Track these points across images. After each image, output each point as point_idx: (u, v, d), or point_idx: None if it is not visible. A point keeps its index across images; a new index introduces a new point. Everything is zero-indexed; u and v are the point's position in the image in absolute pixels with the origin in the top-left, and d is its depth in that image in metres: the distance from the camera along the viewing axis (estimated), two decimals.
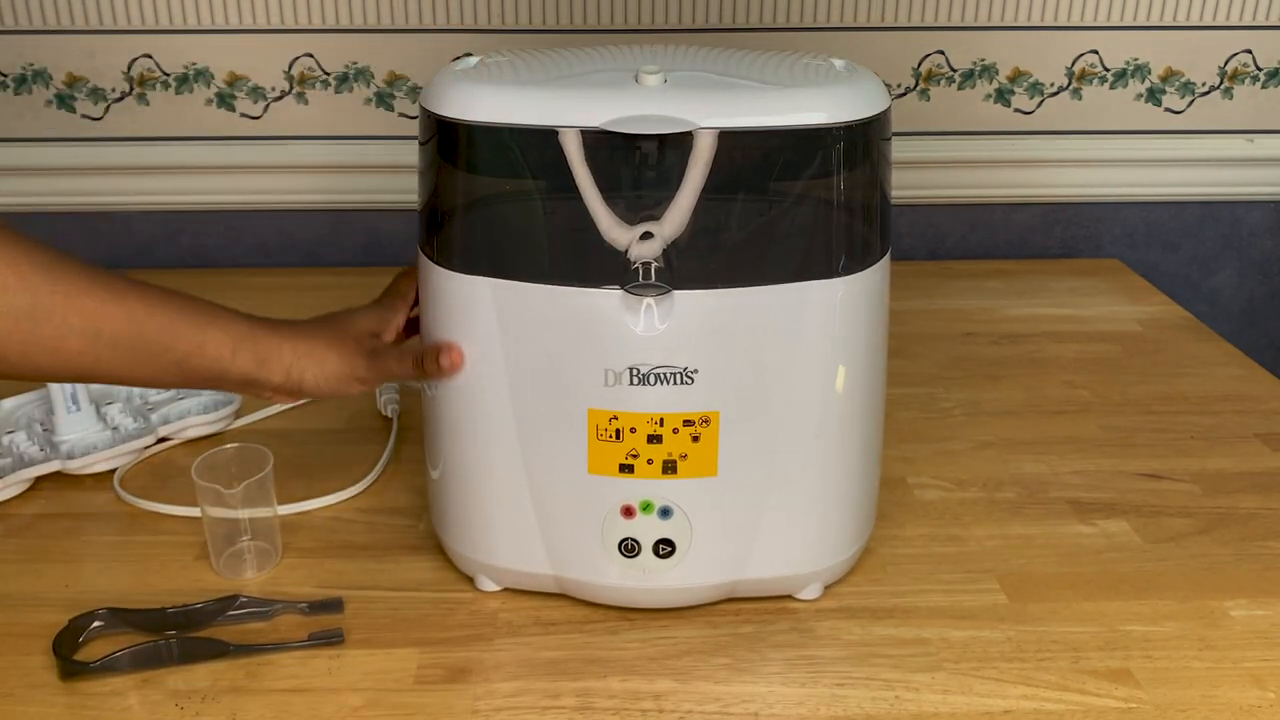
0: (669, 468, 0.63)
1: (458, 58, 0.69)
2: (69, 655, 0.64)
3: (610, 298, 0.61)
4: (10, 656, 0.65)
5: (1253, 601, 0.70)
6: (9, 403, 0.88)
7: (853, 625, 0.68)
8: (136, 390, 0.92)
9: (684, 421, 0.63)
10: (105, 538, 0.77)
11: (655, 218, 0.60)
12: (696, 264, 0.61)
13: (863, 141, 0.62)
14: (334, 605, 0.68)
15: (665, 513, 0.64)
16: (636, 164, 0.60)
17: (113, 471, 0.84)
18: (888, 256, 0.66)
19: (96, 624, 0.66)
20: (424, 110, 0.64)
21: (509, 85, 0.62)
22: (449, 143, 0.63)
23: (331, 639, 0.66)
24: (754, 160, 0.61)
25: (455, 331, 0.65)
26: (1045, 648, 0.66)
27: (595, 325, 0.61)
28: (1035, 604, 0.70)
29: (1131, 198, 1.28)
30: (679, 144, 0.59)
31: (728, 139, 0.59)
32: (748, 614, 0.68)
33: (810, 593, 0.69)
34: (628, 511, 0.65)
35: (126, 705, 0.62)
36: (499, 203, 0.65)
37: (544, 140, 0.60)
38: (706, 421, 0.63)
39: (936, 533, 0.77)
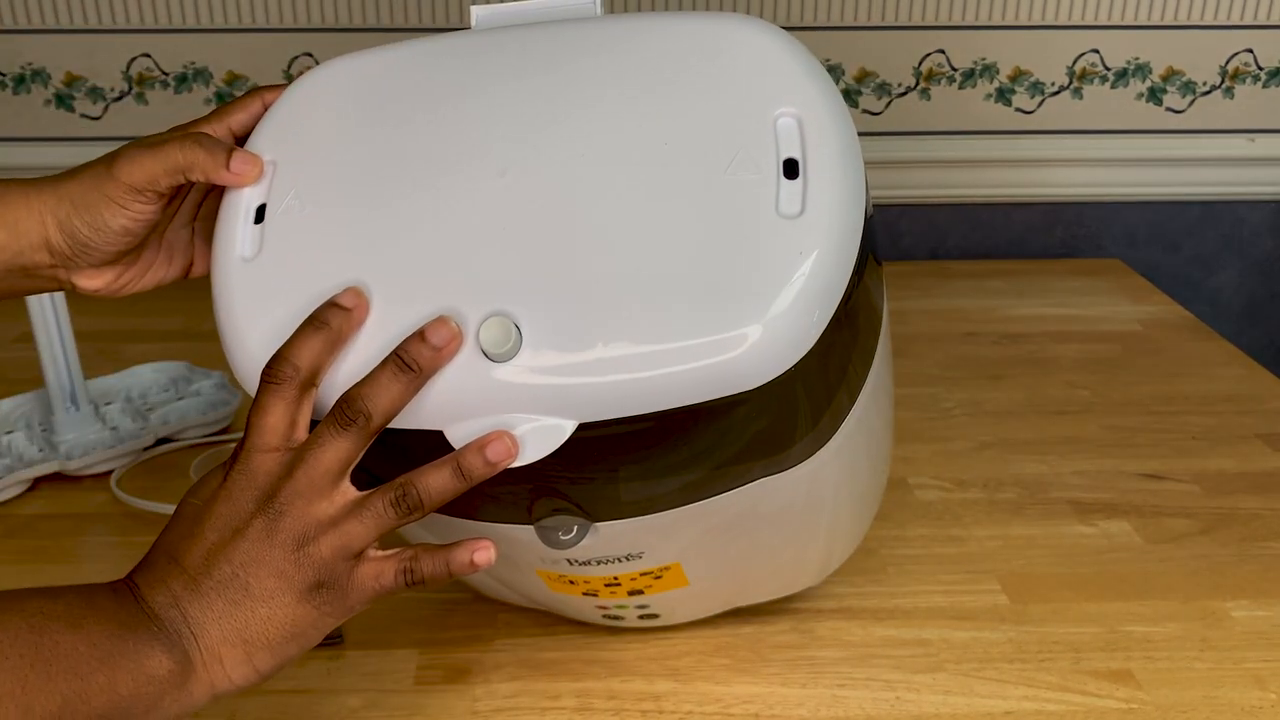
0: (635, 593, 0.59)
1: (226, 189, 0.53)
2: None
3: (523, 531, 0.52)
4: None
5: (1254, 602, 0.70)
6: (8, 403, 0.88)
7: (853, 626, 0.68)
8: (136, 390, 0.92)
9: (641, 573, 0.56)
10: (104, 538, 0.77)
11: (551, 482, 0.48)
12: (618, 500, 0.50)
13: (822, 349, 0.46)
14: None
15: (643, 605, 0.62)
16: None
17: (111, 472, 0.83)
18: (833, 442, 0.52)
19: None
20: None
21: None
22: None
23: (331, 640, 0.66)
24: (661, 433, 0.46)
25: None
26: (1046, 648, 0.66)
27: (515, 549, 0.53)
28: (1036, 605, 0.70)
29: (1132, 197, 1.28)
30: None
31: (619, 428, 0.45)
32: (748, 615, 0.68)
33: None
34: (603, 606, 0.62)
35: None
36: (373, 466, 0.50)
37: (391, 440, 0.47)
38: (667, 569, 0.57)
39: (937, 533, 0.77)
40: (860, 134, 0.50)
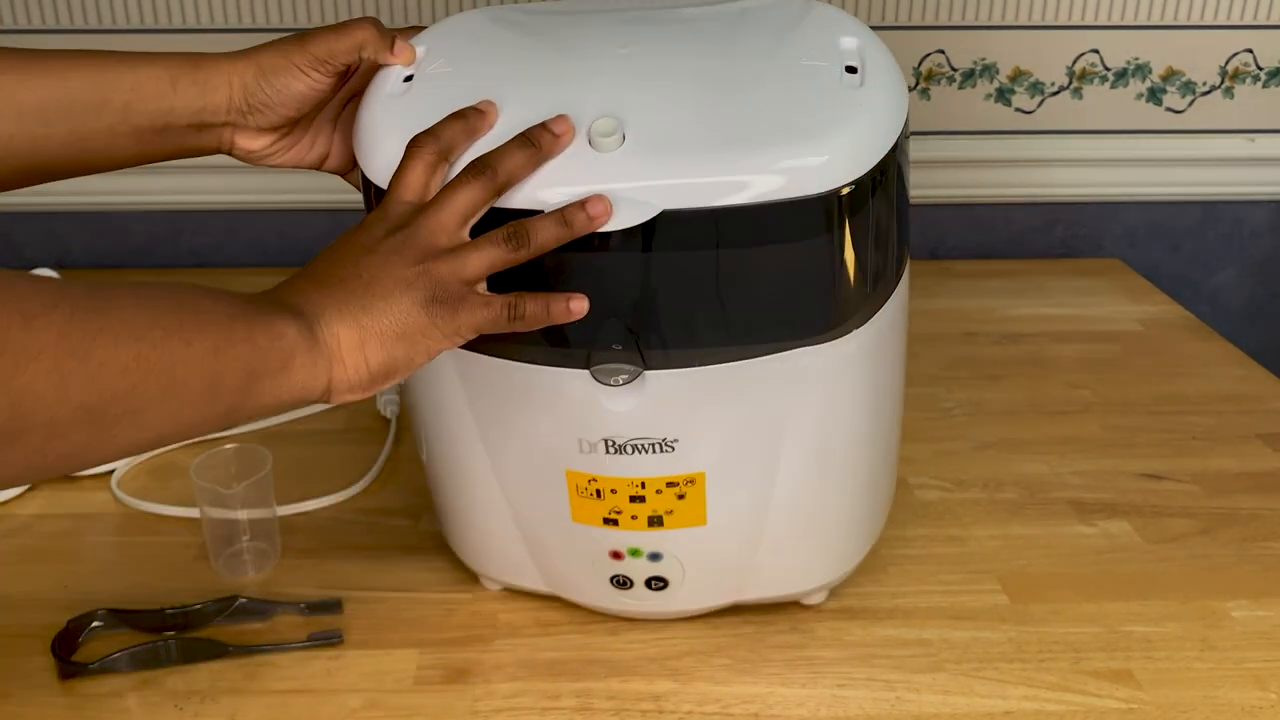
0: (655, 522, 0.61)
1: (383, 67, 0.63)
2: (67, 656, 0.64)
3: (577, 378, 0.56)
4: (9, 657, 0.65)
5: (1254, 602, 0.70)
6: None
7: (853, 626, 0.68)
8: None
9: (667, 483, 0.59)
10: (104, 538, 0.77)
11: (619, 299, 0.54)
12: (668, 341, 0.55)
13: (843, 205, 0.54)
14: (333, 606, 0.68)
15: (655, 556, 0.62)
16: (594, 246, 0.54)
17: (111, 472, 0.83)
18: (883, 312, 0.59)
19: (95, 624, 0.66)
20: (359, 164, 0.59)
21: None
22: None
23: (331, 640, 0.66)
24: (733, 233, 0.53)
25: (427, 398, 0.62)
26: (1046, 648, 0.66)
27: (563, 402, 0.57)
28: (1036, 604, 0.70)
29: (1132, 197, 1.28)
30: (643, 225, 0.53)
31: (699, 218, 0.52)
32: (748, 615, 0.68)
33: (816, 598, 0.69)
34: (616, 555, 0.63)
35: (125, 706, 0.61)
36: None
37: (490, 218, 0.54)
38: (692, 482, 0.59)
39: (937, 533, 0.77)
40: None
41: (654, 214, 0.52)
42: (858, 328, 0.57)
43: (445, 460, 0.65)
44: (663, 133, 0.54)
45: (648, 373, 0.56)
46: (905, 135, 0.58)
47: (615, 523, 0.61)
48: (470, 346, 0.56)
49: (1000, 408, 0.94)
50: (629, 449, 0.58)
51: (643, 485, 0.59)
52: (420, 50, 0.63)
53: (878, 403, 0.63)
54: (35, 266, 1.27)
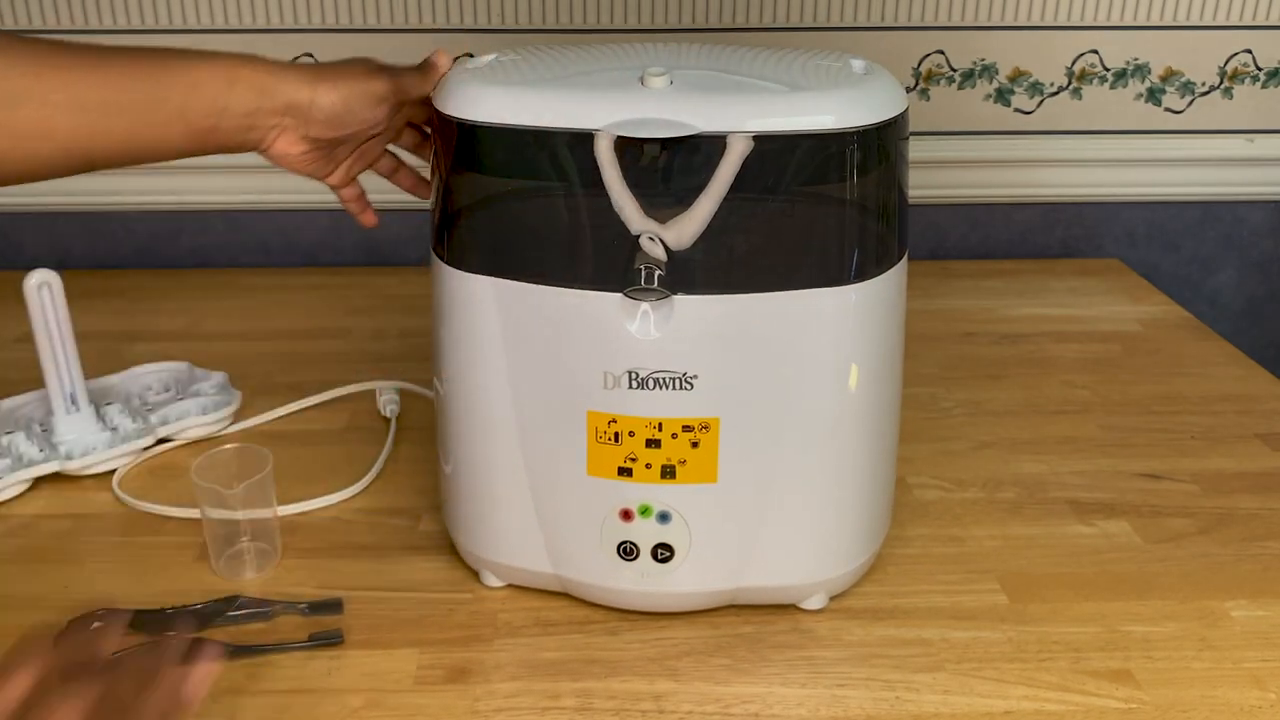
0: (668, 472, 0.63)
1: (459, 57, 0.69)
2: None
3: (609, 301, 0.61)
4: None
5: (1253, 602, 0.70)
6: (8, 403, 0.88)
7: (853, 626, 0.68)
8: (135, 390, 0.92)
9: (683, 427, 0.62)
10: (105, 538, 0.77)
11: (660, 222, 0.60)
12: (699, 269, 0.60)
13: (878, 145, 0.61)
14: (333, 606, 0.68)
15: (664, 517, 0.64)
16: (641, 168, 0.59)
17: (112, 472, 0.84)
18: (904, 261, 0.66)
19: (96, 625, 0.66)
20: (434, 109, 0.63)
21: (517, 85, 0.62)
22: (458, 143, 0.63)
23: (331, 640, 0.66)
24: (764, 165, 0.59)
25: (460, 328, 0.65)
26: (1046, 648, 0.66)
27: (594, 328, 0.61)
28: (1035, 604, 0.70)
29: (1132, 198, 1.28)
30: (686, 149, 0.59)
31: (738, 143, 0.59)
32: (748, 615, 0.68)
33: (814, 603, 0.69)
34: (626, 515, 0.64)
35: None
36: (505, 204, 0.64)
37: (545, 142, 0.60)
38: (706, 428, 0.62)
39: (937, 533, 0.77)
40: None
41: (692, 133, 0.57)
42: (872, 278, 0.63)
43: (464, 402, 0.67)
44: (705, 81, 0.62)
45: (676, 298, 0.60)
46: (906, 124, 0.64)
47: (630, 472, 0.63)
48: (510, 274, 0.61)
49: (999, 408, 0.94)
50: (650, 383, 0.61)
51: (660, 427, 0.62)
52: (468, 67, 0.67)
53: (882, 369, 0.66)
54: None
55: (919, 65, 1.20)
